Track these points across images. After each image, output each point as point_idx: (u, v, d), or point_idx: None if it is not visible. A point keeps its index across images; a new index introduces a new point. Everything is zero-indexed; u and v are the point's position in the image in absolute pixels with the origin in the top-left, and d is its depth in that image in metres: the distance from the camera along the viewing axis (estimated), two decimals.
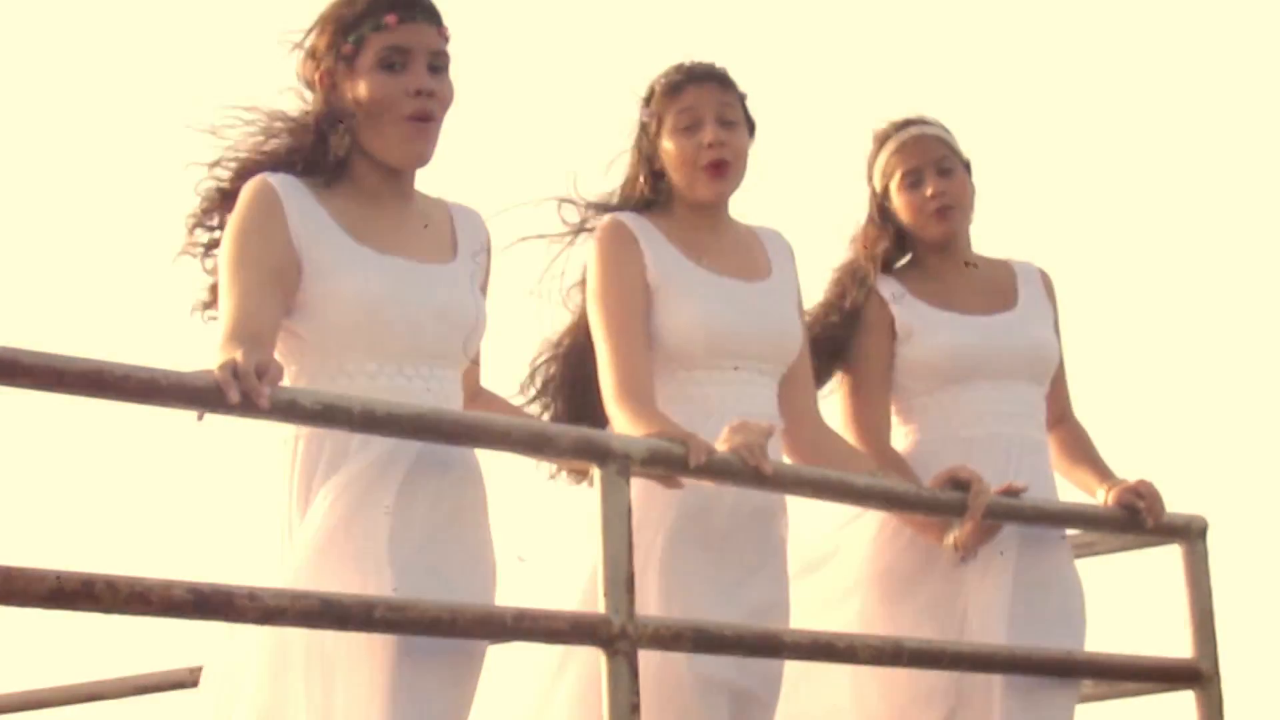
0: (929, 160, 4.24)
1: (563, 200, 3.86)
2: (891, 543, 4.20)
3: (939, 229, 4.23)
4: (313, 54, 3.25)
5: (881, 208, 4.29)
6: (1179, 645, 4.51)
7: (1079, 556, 4.50)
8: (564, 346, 3.89)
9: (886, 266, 4.31)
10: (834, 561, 4.24)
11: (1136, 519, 4.16)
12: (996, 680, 4.10)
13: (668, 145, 3.77)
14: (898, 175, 4.24)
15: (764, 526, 3.78)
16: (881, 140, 4.33)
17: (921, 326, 4.21)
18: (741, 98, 3.86)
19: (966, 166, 4.31)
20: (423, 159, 3.27)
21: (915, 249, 4.33)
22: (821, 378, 4.22)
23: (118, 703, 5.93)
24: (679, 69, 3.82)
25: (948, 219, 4.23)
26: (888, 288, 4.25)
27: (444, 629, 3.07)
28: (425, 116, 3.20)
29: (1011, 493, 3.98)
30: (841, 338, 4.25)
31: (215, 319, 3.17)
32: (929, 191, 4.19)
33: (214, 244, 3.22)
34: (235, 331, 2.97)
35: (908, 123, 4.32)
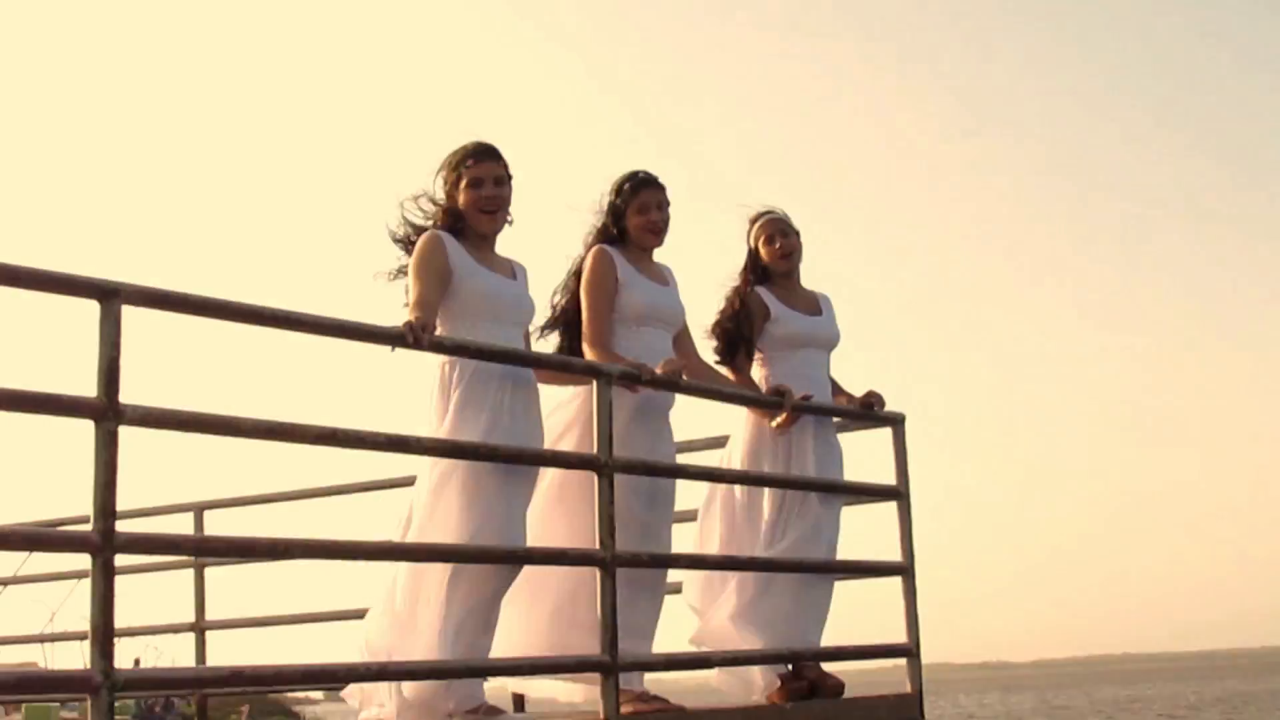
0: (778, 230, 6.68)
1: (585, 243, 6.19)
2: (754, 424, 6.63)
3: (784, 266, 6.70)
4: (444, 177, 5.68)
5: (753, 255, 6.71)
6: (889, 479, 6.78)
7: (840, 432, 6.89)
8: (568, 314, 6.16)
9: (759, 284, 6.64)
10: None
11: (871, 411, 6.79)
12: (813, 496, 6.49)
13: (633, 217, 6.14)
14: (762, 237, 6.70)
15: (667, 411, 6.21)
16: (754, 219, 6.75)
17: (781, 317, 6.62)
18: (667, 193, 6.22)
19: (798, 234, 6.71)
20: (494, 231, 5.70)
21: (771, 277, 6.69)
22: (730, 347, 6.56)
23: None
24: (639, 177, 6.18)
25: (789, 261, 6.69)
26: (764, 294, 6.62)
27: (514, 459, 5.35)
28: (491, 209, 5.63)
29: (806, 399, 6.42)
30: (736, 324, 6.57)
31: (399, 281, 5.54)
32: (778, 246, 6.67)
33: (407, 258, 5.55)
34: (417, 305, 5.29)
35: (769, 210, 6.74)
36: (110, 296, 3.94)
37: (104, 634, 3.81)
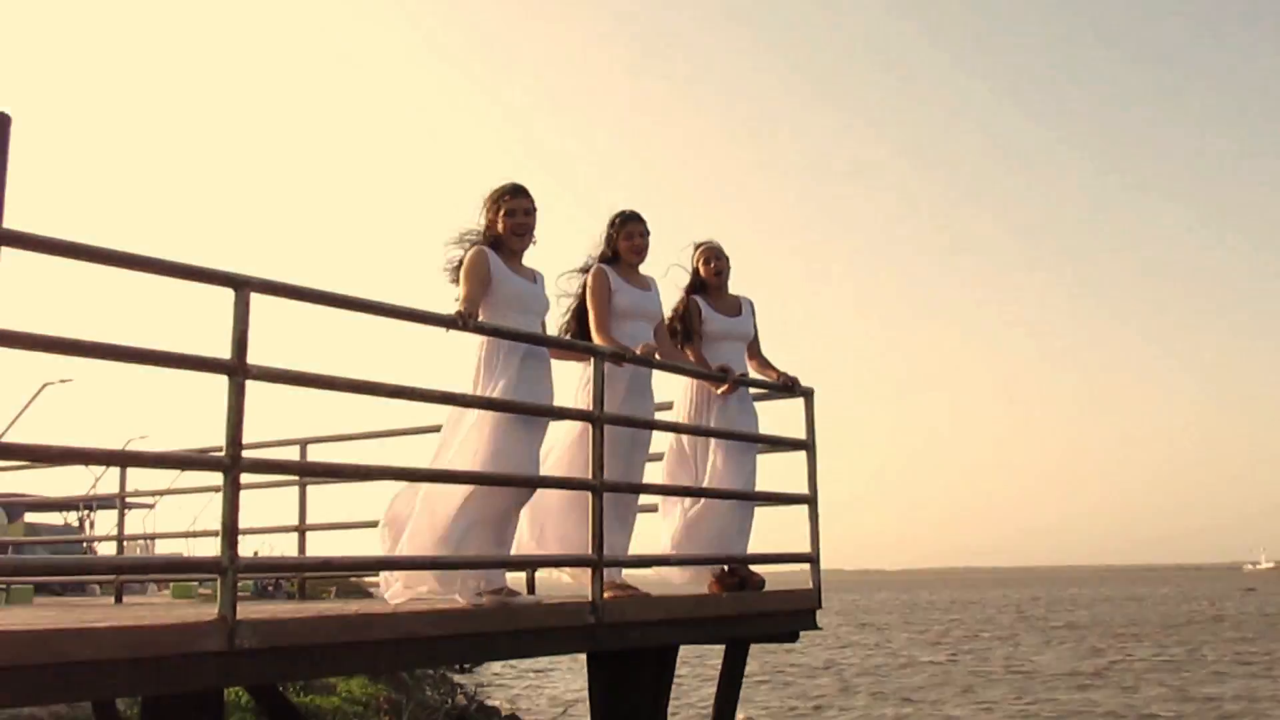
0: (713, 255, 6.65)
1: (584, 266, 6.17)
2: (694, 391, 6.63)
3: (715, 281, 6.64)
4: (487, 207, 5.64)
5: (695, 273, 6.67)
6: (798, 434, 6.86)
7: (767, 399, 6.92)
8: (576, 309, 6.19)
9: (698, 293, 6.63)
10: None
11: (790, 388, 6.79)
12: (739, 444, 6.48)
13: (622, 243, 6.13)
14: (701, 260, 6.66)
15: (648, 380, 6.19)
16: (697, 246, 6.69)
17: (710, 318, 6.60)
18: (645, 222, 6.20)
19: (727, 258, 6.66)
20: (522, 249, 5.65)
21: (707, 290, 6.67)
22: (678, 337, 6.54)
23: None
24: (627, 214, 6.18)
25: (719, 278, 6.64)
26: (700, 301, 6.61)
27: (531, 411, 5.35)
28: (521, 233, 5.61)
29: (742, 376, 6.50)
30: (680, 323, 6.57)
31: (454, 283, 5.48)
32: (713, 267, 6.64)
33: (460, 265, 5.52)
34: (466, 300, 5.29)
35: (706, 241, 6.70)
36: (242, 286, 3.94)
37: (231, 531, 3.83)
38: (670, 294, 6.59)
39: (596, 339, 5.92)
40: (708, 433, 6.43)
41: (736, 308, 6.77)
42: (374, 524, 7.97)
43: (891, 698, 21.44)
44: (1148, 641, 34.91)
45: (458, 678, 26.54)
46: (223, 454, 3.83)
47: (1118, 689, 22.16)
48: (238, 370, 3.86)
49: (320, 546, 8.74)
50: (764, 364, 6.87)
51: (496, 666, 30.68)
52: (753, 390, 6.79)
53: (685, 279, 6.71)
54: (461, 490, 5.18)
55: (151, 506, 18.46)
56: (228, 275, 3.93)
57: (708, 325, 6.60)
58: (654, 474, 6.58)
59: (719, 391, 6.51)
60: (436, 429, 5.70)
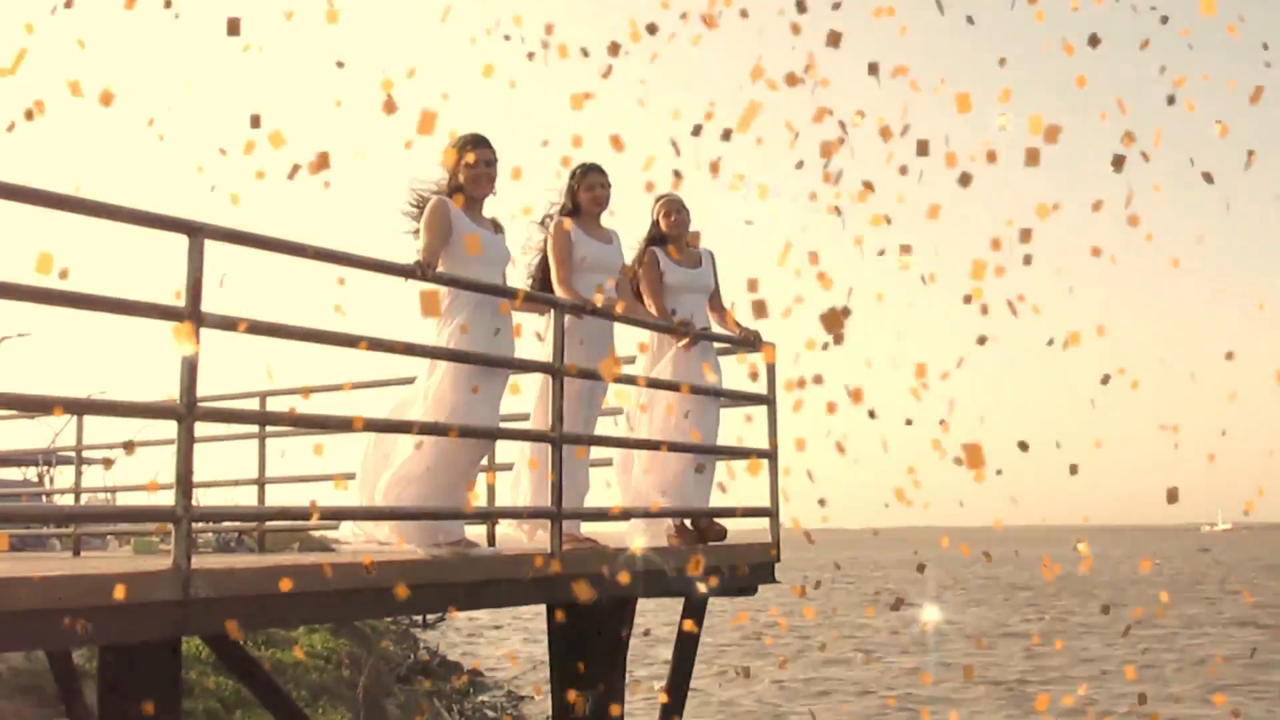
0: (673, 208, 6.58)
1: (546, 215, 6.16)
2: (656, 345, 6.61)
3: (675, 233, 6.57)
4: (449, 157, 5.54)
5: (656, 224, 6.61)
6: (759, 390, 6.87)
7: (720, 354, 6.89)
8: (539, 262, 6.18)
9: (656, 245, 6.58)
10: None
11: (750, 342, 6.77)
12: (702, 398, 6.48)
13: (584, 194, 6.10)
14: (662, 213, 6.60)
15: (610, 336, 6.19)
16: (657, 199, 6.59)
17: (669, 269, 6.56)
18: (606, 174, 6.15)
19: (687, 211, 6.60)
20: (483, 197, 5.58)
21: (667, 240, 6.60)
22: (639, 293, 6.51)
23: None
24: (588, 166, 6.12)
25: (677, 229, 6.56)
26: (660, 253, 6.57)
27: (491, 363, 5.30)
28: (482, 183, 5.53)
29: (704, 329, 6.50)
30: (637, 277, 6.53)
31: (415, 237, 5.43)
32: (672, 219, 6.57)
33: (420, 212, 5.48)
34: (427, 249, 5.25)
35: (668, 194, 6.58)
36: (196, 233, 3.90)
37: (185, 480, 3.82)
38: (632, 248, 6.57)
39: (559, 292, 5.90)
40: (668, 386, 6.43)
41: (697, 260, 6.75)
42: (333, 477, 7.98)
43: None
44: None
45: (420, 633, 26.67)
46: (177, 401, 3.79)
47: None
48: (192, 318, 3.83)
49: (282, 501, 8.60)
50: (724, 317, 6.86)
51: (461, 623, 30.85)
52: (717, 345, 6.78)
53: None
54: (421, 442, 5.16)
55: (111, 462, 18.34)
56: (181, 221, 3.89)
57: (668, 278, 6.58)
58: (612, 429, 6.58)
59: (680, 345, 6.51)
60: (401, 381, 5.68)
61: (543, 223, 6.16)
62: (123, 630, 3.70)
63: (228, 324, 3.98)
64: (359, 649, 14.85)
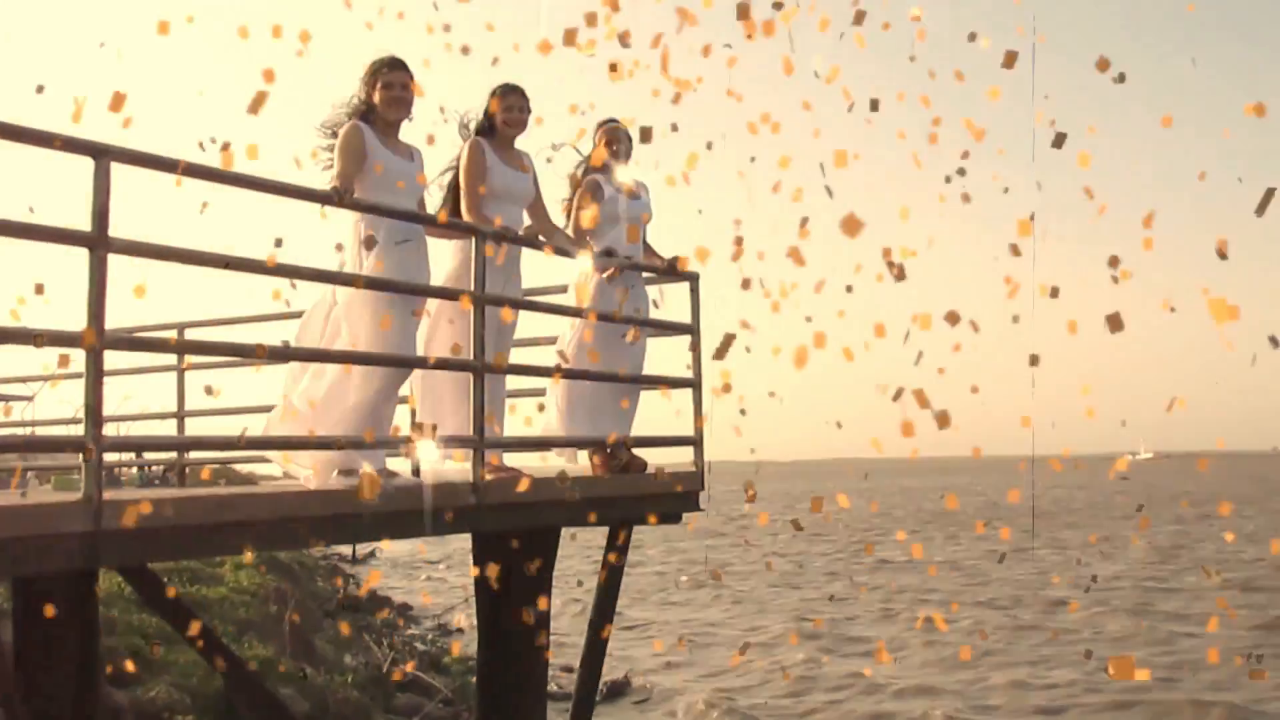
0: (615, 136, 6.50)
1: (462, 124, 6.04)
2: (583, 277, 6.51)
3: (616, 162, 6.46)
4: (365, 81, 5.45)
5: (596, 154, 6.43)
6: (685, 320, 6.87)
7: (653, 284, 6.89)
8: (451, 182, 6.05)
9: (595, 172, 6.47)
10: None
11: (677, 270, 6.72)
12: (627, 328, 6.40)
13: (500, 114, 5.97)
14: (604, 140, 6.50)
15: (518, 265, 6.07)
16: (600, 125, 6.50)
17: (610, 197, 6.47)
18: (527, 98, 6.03)
19: (630, 138, 6.51)
20: (398, 120, 5.48)
21: (602, 168, 6.49)
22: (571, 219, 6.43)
23: None
24: (508, 86, 5.99)
25: (618, 157, 6.48)
26: (601, 178, 6.48)
27: (408, 291, 5.31)
28: (397, 107, 5.44)
29: (628, 258, 6.42)
30: (574, 204, 6.47)
31: (330, 167, 5.34)
32: (614, 148, 6.48)
33: (333, 140, 5.38)
34: (340, 175, 5.15)
35: (611, 120, 6.50)
36: (102, 155, 3.79)
37: (96, 411, 3.76)
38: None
39: (469, 216, 5.83)
40: (605, 317, 6.34)
41: (636, 190, 6.68)
42: (253, 409, 7.90)
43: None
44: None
45: (349, 568, 26.63)
46: (84, 330, 3.70)
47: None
48: (99, 244, 3.74)
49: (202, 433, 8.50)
50: (648, 249, 6.81)
51: (396, 553, 30.91)
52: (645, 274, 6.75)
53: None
54: (337, 370, 5.11)
55: (30, 398, 18.00)
56: (86, 143, 3.78)
57: (607, 206, 6.48)
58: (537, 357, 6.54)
59: (605, 276, 6.45)
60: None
61: (460, 131, 6.05)
62: (32, 562, 3.63)
63: (137, 251, 3.88)
64: (287, 585, 14.75)
